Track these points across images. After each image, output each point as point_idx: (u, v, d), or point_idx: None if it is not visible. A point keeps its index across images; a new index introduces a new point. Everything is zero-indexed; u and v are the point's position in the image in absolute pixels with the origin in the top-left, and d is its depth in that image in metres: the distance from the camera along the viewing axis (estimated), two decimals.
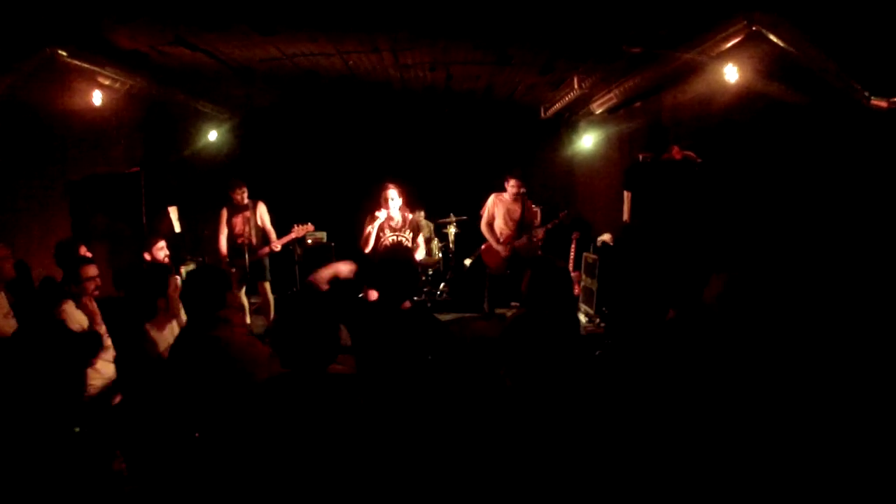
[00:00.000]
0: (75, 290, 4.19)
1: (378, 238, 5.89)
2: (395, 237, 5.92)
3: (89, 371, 4.06)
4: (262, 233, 7.03)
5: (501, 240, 7.27)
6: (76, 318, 4.10)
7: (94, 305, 4.21)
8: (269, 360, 2.90)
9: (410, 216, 6.03)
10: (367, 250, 5.90)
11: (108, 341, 4.15)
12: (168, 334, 3.50)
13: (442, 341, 3.11)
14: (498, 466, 2.49)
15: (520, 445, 2.53)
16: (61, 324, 4.11)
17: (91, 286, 4.23)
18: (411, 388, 2.93)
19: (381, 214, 5.83)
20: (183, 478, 2.75)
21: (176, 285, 3.67)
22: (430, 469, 2.66)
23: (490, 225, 7.36)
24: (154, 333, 3.41)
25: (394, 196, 5.85)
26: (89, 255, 4.90)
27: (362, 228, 5.95)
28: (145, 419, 3.13)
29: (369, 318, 3.14)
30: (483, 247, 7.51)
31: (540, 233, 7.20)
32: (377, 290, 3.20)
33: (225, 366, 2.79)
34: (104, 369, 4.10)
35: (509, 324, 3.05)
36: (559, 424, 2.53)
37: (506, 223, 7.27)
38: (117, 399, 4.12)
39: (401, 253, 3.41)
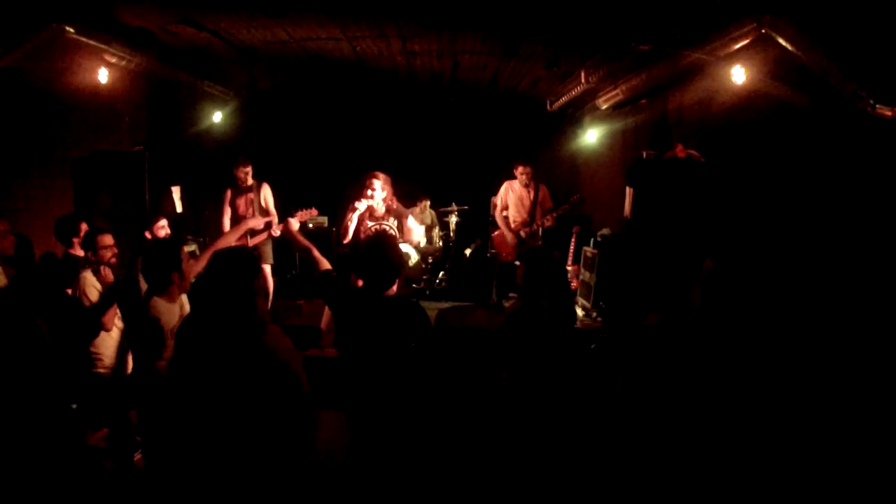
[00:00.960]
0: (92, 259, 4.24)
1: (358, 228, 5.74)
2: (378, 225, 5.74)
3: (98, 342, 4.11)
4: (265, 215, 6.99)
5: (514, 227, 7.26)
6: (94, 286, 4.16)
7: (109, 274, 4.25)
8: (296, 353, 2.89)
9: (395, 206, 5.84)
10: (346, 241, 5.77)
11: (118, 311, 4.20)
12: (177, 308, 3.48)
13: (424, 329, 3.07)
14: (491, 456, 2.51)
15: (514, 436, 2.55)
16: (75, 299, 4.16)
17: (108, 254, 4.28)
18: (395, 375, 2.92)
19: (361, 205, 5.65)
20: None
21: (188, 258, 3.64)
22: (418, 455, 2.69)
23: (504, 213, 7.36)
24: (163, 307, 3.37)
25: (377, 187, 5.66)
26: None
27: (343, 218, 5.80)
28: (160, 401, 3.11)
29: (354, 304, 3.08)
30: (495, 234, 7.51)
31: (549, 219, 7.15)
32: (361, 276, 3.13)
33: (268, 360, 2.77)
34: (113, 341, 4.15)
35: (507, 316, 3.05)
36: (554, 416, 2.55)
37: (518, 211, 7.24)
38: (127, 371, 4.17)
39: (385, 239, 3.30)
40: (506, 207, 7.32)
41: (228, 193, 6.90)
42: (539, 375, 2.68)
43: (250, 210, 6.85)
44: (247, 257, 3.00)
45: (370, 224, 5.76)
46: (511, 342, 2.61)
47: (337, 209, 8.81)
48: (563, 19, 5.17)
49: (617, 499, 2.59)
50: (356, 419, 2.92)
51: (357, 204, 5.67)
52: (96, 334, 4.09)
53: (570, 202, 7.22)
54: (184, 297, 3.74)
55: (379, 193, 5.70)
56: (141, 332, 3.28)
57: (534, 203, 7.10)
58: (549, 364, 2.68)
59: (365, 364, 2.96)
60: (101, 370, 4.11)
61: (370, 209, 5.78)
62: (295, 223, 4.13)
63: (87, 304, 4.10)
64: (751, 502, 2.56)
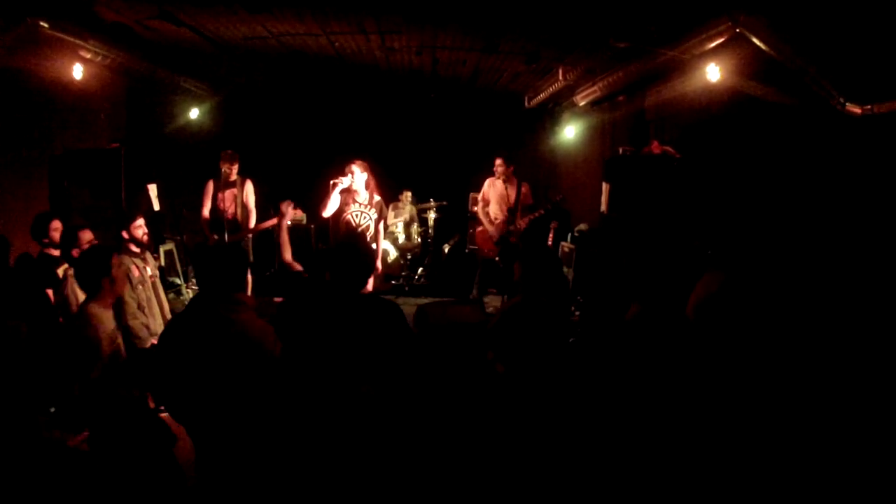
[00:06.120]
0: (76, 255, 4.19)
1: (341, 208, 5.91)
2: (359, 211, 5.94)
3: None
4: (245, 212, 6.94)
5: (494, 224, 7.32)
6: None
7: None
8: (276, 343, 2.92)
9: (378, 198, 6.02)
10: (325, 214, 5.91)
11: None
12: (111, 314, 3.42)
13: (400, 326, 3.03)
14: (487, 451, 2.53)
15: (514, 431, 2.57)
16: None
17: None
18: (365, 373, 2.88)
19: (344, 181, 5.81)
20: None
21: (119, 264, 3.62)
22: (421, 456, 2.70)
23: (485, 209, 7.41)
24: (98, 312, 3.34)
25: (356, 171, 5.84)
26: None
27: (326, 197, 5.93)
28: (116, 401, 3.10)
29: (317, 301, 3.05)
30: (478, 229, 7.57)
31: (522, 223, 7.21)
32: (334, 275, 3.10)
33: (243, 348, 2.79)
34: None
35: (505, 311, 3.07)
36: (554, 410, 2.57)
37: (500, 207, 7.30)
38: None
39: (358, 240, 3.32)
40: (487, 203, 7.38)
41: (210, 186, 6.82)
42: (538, 370, 2.70)
43: (232, 206, 6.80)
44: (237, 252, 3.03)
45: (353, 208, 5.93)
46: (510, 336, 2.62)
47: (316, 206, 8.80)
48: (542, 15, 5.22)
49: (603, 492, 2.63)
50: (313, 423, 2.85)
51: (343, 178, 5.81)
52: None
53: (552, 202, 7.29)
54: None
55: (359, 176, 5.82)
56: (76, 340, 3.25)
57: (516, 200, 7.17)
58: (548, 359, 2.70)
59: (331, 363, 2.89)
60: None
61: (353, 194, 5.89)
62: (290, 213, 4.10)
63: (74, 303, 4.05)
64: (732, 497, 2.62)
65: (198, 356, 2.75)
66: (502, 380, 2.57)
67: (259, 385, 2.75)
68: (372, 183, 5.96)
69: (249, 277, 7.13)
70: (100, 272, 3.37)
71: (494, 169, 7.26)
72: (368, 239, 6.00)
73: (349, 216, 5.94)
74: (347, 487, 2.63)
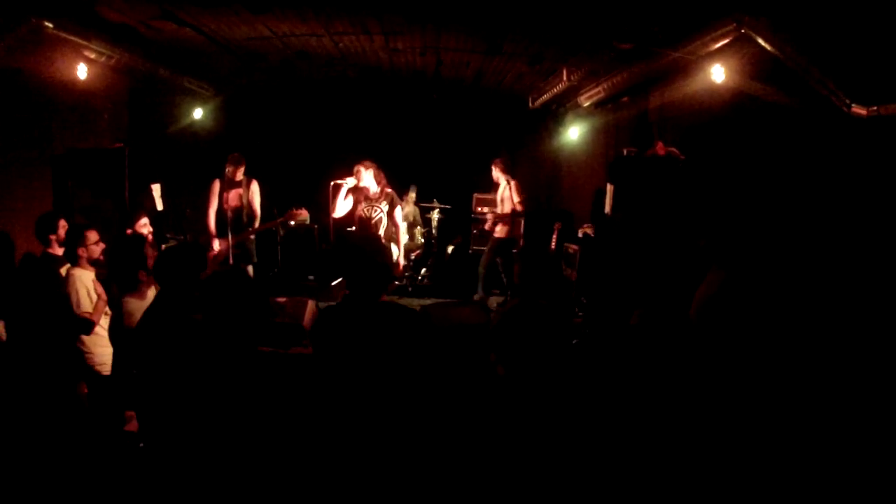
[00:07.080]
0: (82, 254, 4.19)
1: (353, 205, 6.03)
2: (370, 206, 6.04)
3: (87, 339, 4.07)
4: (250, 212, 6.93)
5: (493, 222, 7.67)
6: (84, 282, 4.12)
7: (93, 271, 4.23)
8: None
9: (388, 189, 6.13)
10: (336, 215, 6.03)
11: (106, 307, 4.16)
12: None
13: (424, 336, 2.91)
14: (487, 454, 2.52)
15: (514, 435, 2.56)
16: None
17: (97, 250, 4.24)
18: (393, 385, 2.77)
19: (348, 181, 5.92)
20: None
21: (153, 253, 3.61)
22: (422, 460, 2.68)
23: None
24: (134, 306, 3.33)
25: (362, 171, 5.96)
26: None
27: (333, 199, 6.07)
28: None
29: (339, 312, 2.88)
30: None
31: (490, 219, 7.52)
32: (350, 283, 2.90)
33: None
34: (101, 337, 4.11)
35: (505, 312, 3.05)
36: (555, 413, 2.57)
37: (501, 208, 7.59)
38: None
39: (374, 241, 3.18)
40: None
41: (217, 185, 6.80)
42: (539, 372, 2.69)
43: (237, 205, 6.80)
44: (194, 252, 2.97)
45: (365, 205, 6.09)
46: (509, 338, 2.60)
47: (319, 206, 8.80)
48: (546, 16, 5.21)
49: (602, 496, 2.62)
50: (348, 428, 2.73)
51: (347, 178, 5.97)
52: (87, 331, 4.05)
53: (514, 212, 7.42)
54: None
55: (365, 174, 6.03)
56: (113, 332, 3.27)
57: (507, 201, 7.40)
58: (547, 363, 2.69)
59: (360, 375, 2.76)
60: (94, 367, 4.07)
61: (363, 191, 5.96)
62: None
63: (75, 301, 4.05)
64: (734, 498, 2.61)
65: (174, 358, 2.71)
66: (502, 382, 2.56)
67: (231, 386, 2.73)
68: (382, 178, 6.05)
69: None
70: (134, 265, 3.33)
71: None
72: (382, 231, 6.05)
73: (361, 211, 6.07)
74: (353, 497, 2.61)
